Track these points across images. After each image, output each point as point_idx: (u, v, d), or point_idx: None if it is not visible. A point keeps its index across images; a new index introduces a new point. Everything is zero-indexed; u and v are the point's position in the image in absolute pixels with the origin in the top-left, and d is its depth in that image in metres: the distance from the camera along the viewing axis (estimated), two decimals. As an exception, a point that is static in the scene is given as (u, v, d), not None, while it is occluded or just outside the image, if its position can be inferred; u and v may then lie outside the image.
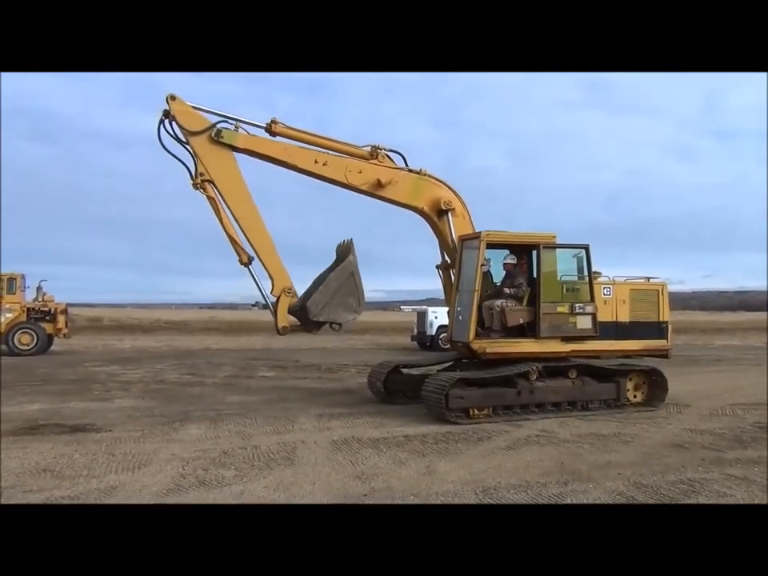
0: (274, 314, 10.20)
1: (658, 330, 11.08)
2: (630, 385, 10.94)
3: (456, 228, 10.75)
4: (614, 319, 10.81)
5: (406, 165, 10.75)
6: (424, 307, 26.59)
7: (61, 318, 21.86)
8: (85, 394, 12.54)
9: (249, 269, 10.18)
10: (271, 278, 10.10)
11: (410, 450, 7.89)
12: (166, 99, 9.54)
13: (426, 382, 9.95)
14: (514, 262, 10.61)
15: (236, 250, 10.15)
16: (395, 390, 11.46)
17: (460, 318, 10.51)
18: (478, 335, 10.14)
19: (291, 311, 10.19)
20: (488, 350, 10.10)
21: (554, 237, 10.49)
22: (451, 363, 11.45)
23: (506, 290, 10.45)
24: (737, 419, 10.02)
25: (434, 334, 24.18)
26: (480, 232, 10.23)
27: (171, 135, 9.79)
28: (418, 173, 10.71)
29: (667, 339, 11.15)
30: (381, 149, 10.51)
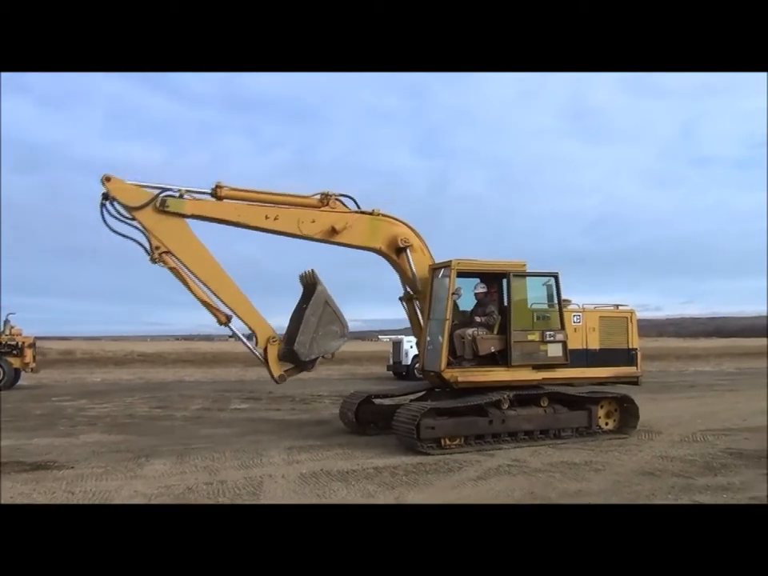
0: (267, 365, 10.08)
1: (627, 356, 11.13)
2: (601, 412, 10.94)
3: (415, 263, 10.67)
4: (585, 346, 10.84)
5: (358, 207, 10.61)
6: (400, 337, 26.54)
7: (28, 352, 21.41)
8: (50, 429, 12.24)
9: (229, 327, 10.07)
10: (253, 331, 10.02)
11: (379, 482, 7.76)
12: (102, 181, 9.32)
13: (398, 412, 9.86)
14: (485, 290, 10.63)
15: (212, 313, 10.04)
16: (367, 420, 11.33)
17: (431, 347, 10.47)
18: (449, 364, 10.10)
19: (282, 358, 10.10)
20: (460, 379, 10.05)
21: (524, 265, 10.55)
22: (424, 393, 11.37)
23: (477, 319, 10.44)
24: (707, 445, 10.04)
25: (409, 363, 24.11)
26: (451, 261, 10.25)
27: (116, 217, 9.53)
28: (371, 213, 10.58)
29: (637, 366, 11.20)
30: (331, 195, 10.36)
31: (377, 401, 11.68)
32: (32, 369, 21.79)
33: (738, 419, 12.86)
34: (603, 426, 10.95)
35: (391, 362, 26.06)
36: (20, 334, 21.84)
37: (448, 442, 9.64)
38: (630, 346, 11.20)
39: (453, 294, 10.03)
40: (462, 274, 10.35)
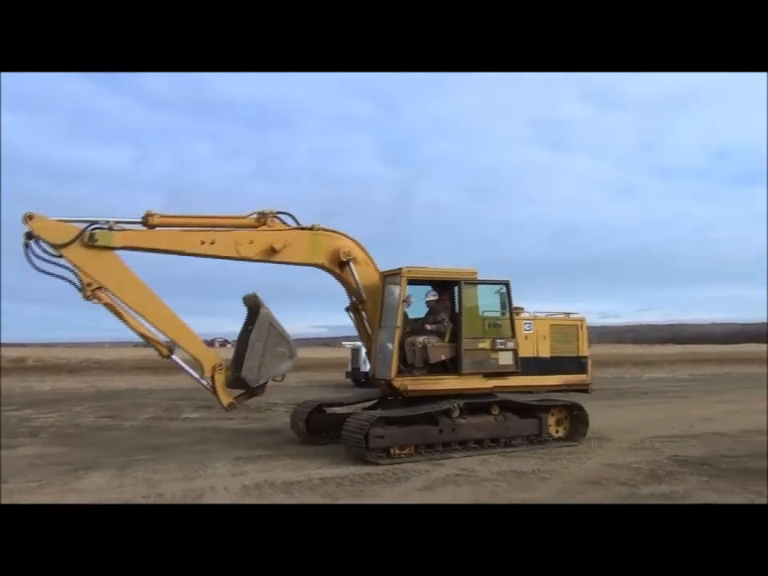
0: (215, 393, 9.80)
1: (578, 364, 11.20)
2: (552, 420, 10.97)
3: (360, 275, 10.47)
4: (536, 354, 10.88)
5: (297, 223, 10.29)
6: (358, 344, 26.37)
7: (-27, 360, 20.67)
8: (-11, 440, 11.76)
9: (172, 359, 9.74)
10: (197, 360, 9.75)
11: (323, 493, 7.62)
12: (24, 219, 8.87)
13: (347, 421, 9.73)
14: (436, 298, 10.58)
15: (153, 347, 9.74)
16: (318, 429, 11.17)
17: (381, 355, 10.38)
18: (400, 372, 10.02)
19: (230, 384, 9.84)
20: (410, 388, 9.97)
21: (475, 273, 10.55)
22: (376, 401, 11.27)
23: (428, 327, 10.40)
24: (654, 453, 10.13)
25: (367, 370, 23.91)
26: (401, 268, 10.19)
27: (42, 257, 9.10)
28: (311, 229, 10.30)
29: (587, 373, 11.28)
30: (268, 213, 10.05)
31: (328, 410, 11.53)
32: (-24, 377, 21.02)
33: (686, 426, 13.06)
34: (554, 433, 10.99)
35: (350, 368, 25.91)
36: (-36, 341, 21.08)
37: (397, 451, 9.55)
38: (581, 354, 11.27)
39: (403, 301, 9.96)
40: (413, 282, 10.29)
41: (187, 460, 9.65)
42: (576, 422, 11.13)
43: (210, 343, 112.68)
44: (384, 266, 10.83)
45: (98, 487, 7.95)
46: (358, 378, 24.70)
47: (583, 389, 11.40)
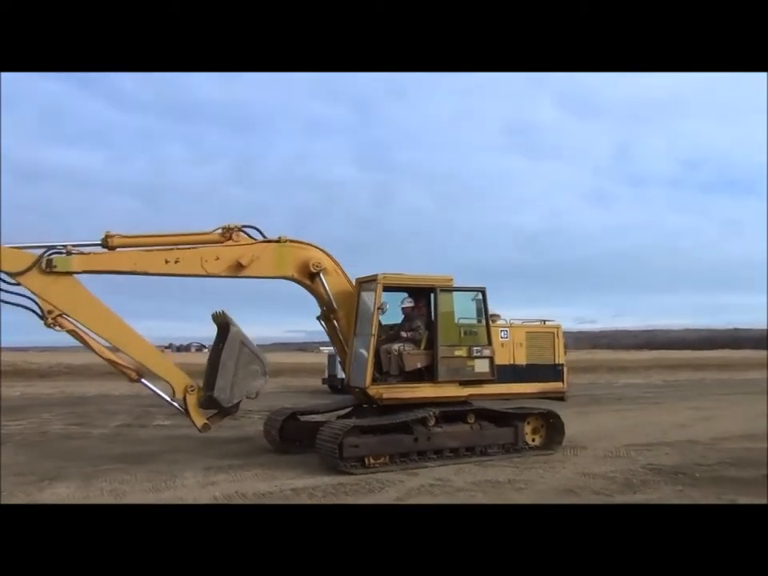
0: (188, 415, 9.55)
1: (554, 372, 11.17)
2: (528, 428, 10.91)
3: (330, 285, 10.28)
4: (512, 362, 10.82)
5: (264, 236, 10.06)
6: (334, 349, 26.19)
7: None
8: (-50, 449, 11.39)
9: (142, 382, 9.51)
10: (168, 382, 9.50)
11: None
12: None
13: (320, 430, 9.58)
14: (412, 305, 10.48)
15: (121, 371, 9.52)
16: (292, 438, 11.00)
17: (356, 362, 10.24)
18: (375, 380, 9.89)
19: (203, 405, 9.57)
20: (385, 396, 9.85)
21: (451, 279, 10.46)
22: (351, 409, 11.13)
23: (404, 334, 10.28)
24: (629, 461, 10.12)
25: (344, 377, 23.75)
26: (377, 275, 10.07)
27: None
28: (277, 241, 10.08)
29: (563, 381, 11.25)
30: (233, 227, 9.79)
31: (302, 417, 11.37)
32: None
33: (660, 433, 13.11)
34: (530, 442, 10.93)
35: (326, 375, 25.69)
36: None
37: (372, 460, 9.41)
38: (557, 362, 11.23)
39: (378, 308, 9.84)
40: (388, 288, 10.17)
41: (156, 470, 9.43)
42: (552, 430, 11.08)
43: (187, 348, 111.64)
44: (360, 272, 10.71)
45: (61, 499, 7.71)
46: (335, 385, 24.47)
47: (559, 397, 11.36)
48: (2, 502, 7.52)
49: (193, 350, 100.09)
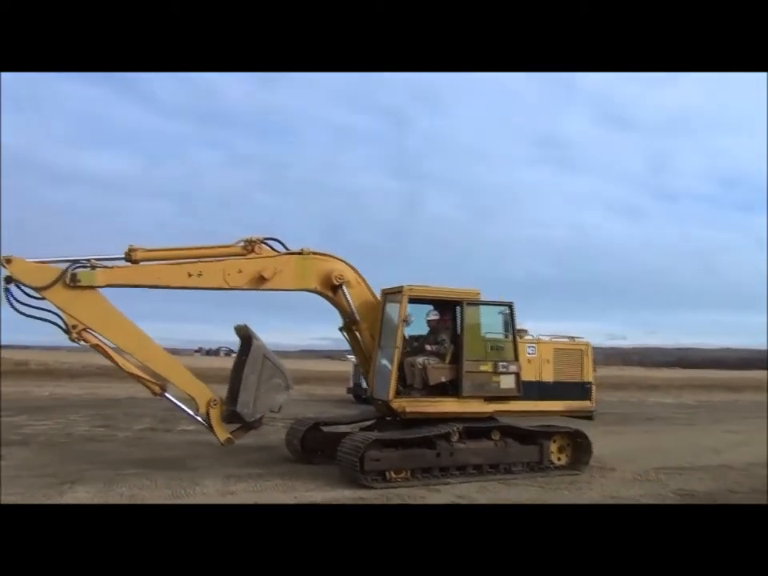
0: (211, 429, 9.52)
1: (581, 390, 10.90)
2: (553, 447, 10.65)
3: (353, 297, 10.15)
4: (538, 379, 10.58)
5: (286, 249, 10.02)
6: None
7: (-29, 363, 20.51)
8: (-24, 448, 11.53)
9: (165, 396, 9.55)
10: (191, 397, 9.49)
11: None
12: (2, 263, 8.59)
13: (342, 442, 9.45)
14: (438, 317, 10.33)
15: (145, 385, 9.56)
16: (313, 448, 10.90)
17: (379, 374, 10.12)
18: (398, 393, 9.76)
19: (226, 419, 9.55)
20: (408, 409, 9.70)
21: (478, 293, 10.30)
22: (373, 421, 10.99)
23: (428, 347, 10.13)
24: (659, 485, 9.79)
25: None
26: (402, 286, 9.95)
27: (23, 302, 8.81)
28: (300, 253, 10.04)
29: (591, 400, 10.96)
30: (255, 240, 9.78)
31: (324, 428, 11.26)
32: (-26, 381, 20.86)
33: (692, 456, 12.69)
34: (555, 461, 10.66)
35: (351, 384, 25.56)
36: (-37, 344, 20.91)
37: (393, 475, 9.26)
38: (585, 380, 10.97)
39: (403, 320, 9.71)
40: (414, 300, 10.05)
41: (177, 477, 9.39)
42: (579, 449, 10.80)
43: (216, 352, 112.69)
44: (387, 281, 10.59)
45: (80, 503, 7.69)
46: (359, 394, 24.35)
47: (587, 415, 11.08)
48: (23, 503, 7.54)
49: (222, 354, 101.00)
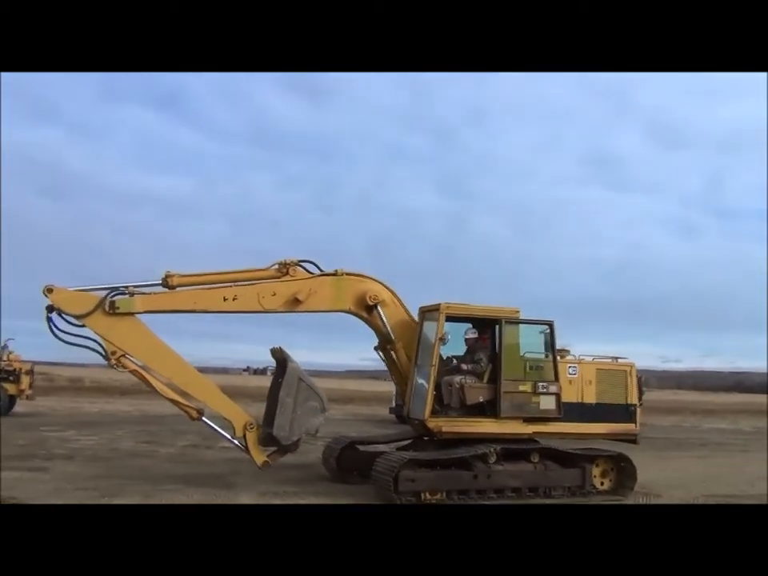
0: (248, 453, 9.63)
1: (625, 412, 10.55)
2: (596, 471, 10.29)
3: (388, 317, 10.10)
4: (580, 400, 10.30)
5: (321, 270, 10.07)
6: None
7: (25, 379, 21.14)
8: (25, 461, 11.86)
9: (203, 420, 9.69)
10: (228, 420, 9.60)
11: (344, 538, 7.23)
12: (43, 292, 8.83)
13: (376, 461, 9.36)
14: (476, 336, 10.19)
15: (182, 410, 9.71)
16: (349, 467, 10.83)
17: (416, 393, 10.01)
18: (435, 413, 9.63)
19: (263, 442, 9.63)
20: (445, 429, 9.56)
21: (518, 311, 10.13)
22: (411, 441, 10.86)
23: (466, 366, 9.98)
24: (707, 513, 9.36)
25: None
26: (440, 304, 9.86)
27: (64, 330, 9.09)
28: (334, 274, 10.04)
29: (635, 423, 10.60)
30: (290, 263, 9.83)
31: (361, 447, 11.19)
32: (27, 396, 21.47)
33: (745, 484, 12.12)
34: (598, 485, 10.31)
35: (393, 404, 25.41)
36: (18, 360, 21.62)
37: (428, 495, 9.11)
38: (629, 402, 10.62)
39: (440, 338, 9.61)
40: (451, 318, 9.94)
41: (213, 493, 9.44)
42: (623, 474, 10.41)
43: (263, 371, 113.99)
44: (432, 299, 10.50)
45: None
46: (401, 414, 24.22)
47: (631, 439, 10.71)
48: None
49: (269, 373, 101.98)
